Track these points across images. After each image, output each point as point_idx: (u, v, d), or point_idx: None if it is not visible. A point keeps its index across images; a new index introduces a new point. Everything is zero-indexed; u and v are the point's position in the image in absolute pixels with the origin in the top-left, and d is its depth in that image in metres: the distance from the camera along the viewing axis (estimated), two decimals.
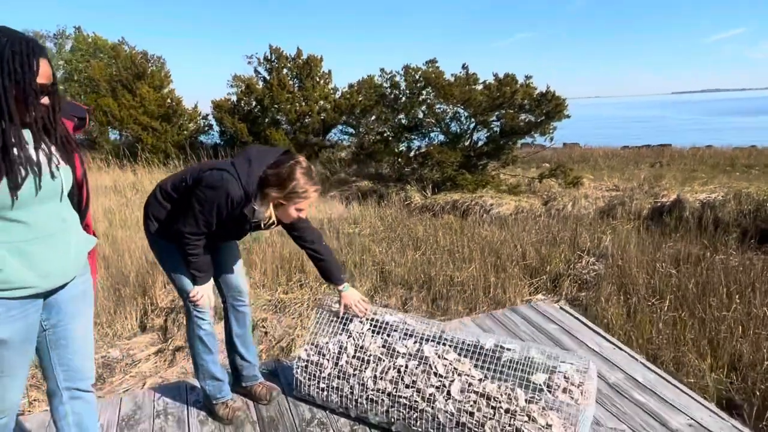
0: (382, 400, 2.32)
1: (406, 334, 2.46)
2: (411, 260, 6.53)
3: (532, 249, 6.95)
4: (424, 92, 11.01)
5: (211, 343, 2.40)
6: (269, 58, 14.50)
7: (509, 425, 2.07)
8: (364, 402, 2.36)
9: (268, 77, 14.49)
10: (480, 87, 10.61)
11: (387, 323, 2.53)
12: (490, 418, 2.10)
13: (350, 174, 12.37)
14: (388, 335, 2.47)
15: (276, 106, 13.87)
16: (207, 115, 16.28)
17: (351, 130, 13.77)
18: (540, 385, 2.13)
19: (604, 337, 3.22)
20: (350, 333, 2.51)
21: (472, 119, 10.68)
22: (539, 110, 9.97)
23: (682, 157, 16.72)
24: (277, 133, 13.69)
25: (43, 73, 1.54)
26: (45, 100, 1.57)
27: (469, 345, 2.35)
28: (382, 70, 11.41)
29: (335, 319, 2.60)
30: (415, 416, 2.25)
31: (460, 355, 2.32)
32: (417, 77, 10.82)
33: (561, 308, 3.71)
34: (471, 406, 2.14)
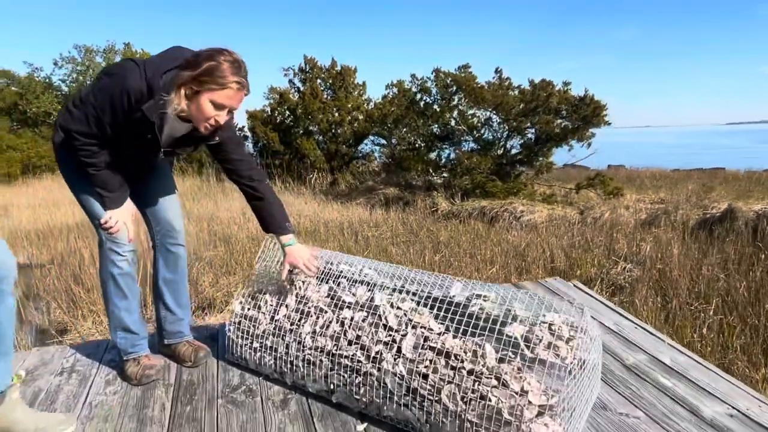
0: (321, 361, 1.87)
1: (358, 282, 1.99)
2: (429, 261, 6.07)
3: (562, 253, 6.36)
4: (455, 98, 10.60)
5: (127, 286, 2.01)
6: (304, 68, 14.46)
7: (472, 391, 1.57)
8: (301, 365, 1.91)
9: (302, 87, 14.44)
10: (514, 92, 10.11)
11: (340, 272, 2.07)
12: (449, 382, 1.61)
13: (378, 183, 12.00)
14: (337, 283, 2.01)
15: (308, 116, 13.74)
16: (243, 126, 16.36)
17: (382, 141, 13.45)
18: (516, 338, 1.62)
19: (623, 316, 2.65)
20: (293, 281, 2.07)
21: (505, 125, 10.15)
22: (576, 115, 9.36)
23: (737, 179, 15.56)
24: (308, 143, 13.53)
25: None
26: None
27: (435, 297, 1.86)
28: (412, 75, 11.10)
29: (279, 264, 2.15)
30: (357, 381, 1.78)
31: (419, 305, 1.83)
32: (448, 82, 10.42)
33: (574, 285, 3.15)
34: (426, 366, 1.65)
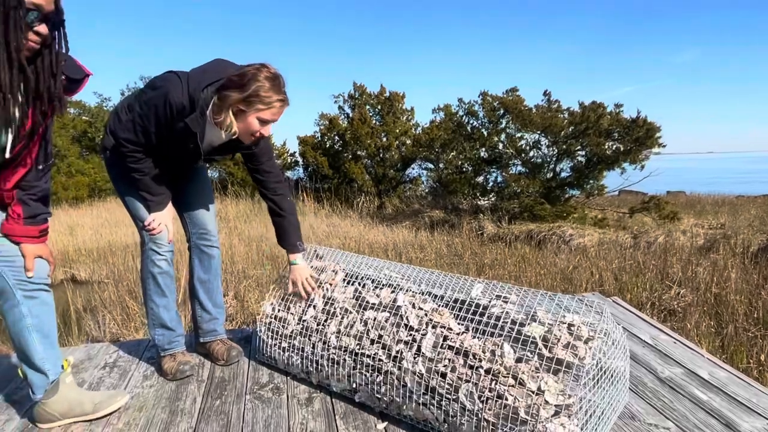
0: (344, 360, 1.91)
1: (383, 284, 2.04)
2: None
3: (612, 276, 6.18)
4: (503, 121, 10.58)
5: (165, 285, 2.14)
6: (353, 95, 14.83)
7: (489, 390, 1.57)
8: (326, 364, 1.96)
9: (351, 113, 14.78)
10: (563, 115, 10.00)
11: (364, 275, 2.12)
12: (466, 381, 1.62)
13: (424, 206, 12.04)
14: (363, 285, 2.06)
15: (357, 141, 14.02)
16: (294, 152, 16.86)
17: (430, 165, 13.52)
18: (534, 338, 1.61)
19: (662, 330, 2.56)
20: (321, 283, 2.14)
21: (554, 148, 10.03)
22: (629, 137, 9.14)
23: None
24: (356, 167, 13.78)
25: None
26: (42, 27, 1.36)
27: (456, 299, 1.89)
28: (459, 99, 11.19)
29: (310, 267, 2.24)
30: (379, 380, 1.81)
31: (440, 306, 1.86)
32: (495, 105, 10.43)
33: (614, 302, 3.07)
34: (444, 366, 1.67)
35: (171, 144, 1.94)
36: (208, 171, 2.51)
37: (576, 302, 1.73)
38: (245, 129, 1.90)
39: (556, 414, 1.50)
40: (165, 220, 2.09)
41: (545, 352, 1.58)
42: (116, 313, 5.78)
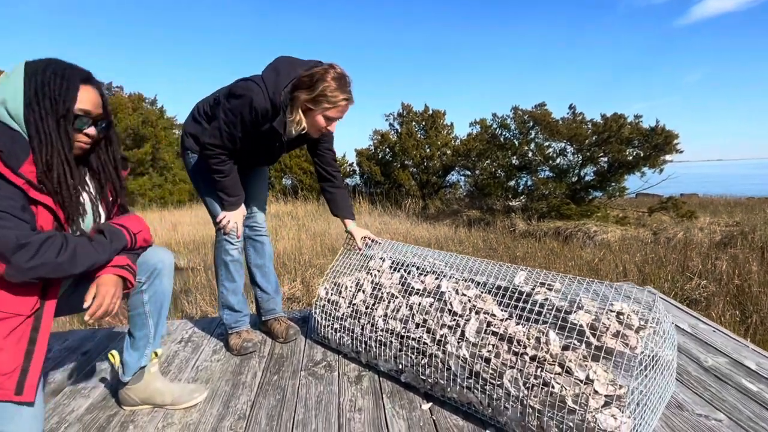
0: (391, 342, 1.68)
1: (428, 272, 1.80)
2: None
3: (635, 268, 5.67)
4: (532, 132, 10.07)
5: (235, 271, 1.98)
6: (401, 113, 14.61)
7: (535, 377, 1.31)
8: (374, 345, 1.74)
9: (399, 129, 14.57)
10: (587, 125, 9.41)
11: (411, 263, 1.89)
12: (511, 367, 1.36)
13: (462, 207, 11.66)
14: (408, 272, 1.83)
15: (404, 152, 13.79)
16: (352, 162, 16.80)
17: (467, 172, 13.12)
18: (581, 326, 1.33)
19: (699, 319, 2.20)
20: (369, 270, 1.92)
21: (579, 155, 9.45)
22: (648, 144, 8.47)
23: None
24: (403, 174, 13.54)
25: (88, 100, 1.25)
26: (91, 130, 1.28)
27: (499, 286, 1.63)
28: (493, 114, 10.74)
29: (359, 256, 2.03)
30: (423, 362, 1.57)
31: (483, 292, 1.60)
32: (525, 118, 9.95)
33: (649, 292, 2.69)
34: (488, 351, 1.42)
35: (255, 144, 1.82)
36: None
37: (619, 290, 1.44)
38: (313, 125, 1.75)
39: (607, 404, 1.22)
40: (236, 218, 1.95)
41: (593, 340, 1.30)
42: (205, 294, 5.78)
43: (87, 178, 1.37)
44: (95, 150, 1.36)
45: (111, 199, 1.43)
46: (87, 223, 1.36)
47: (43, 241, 1.15)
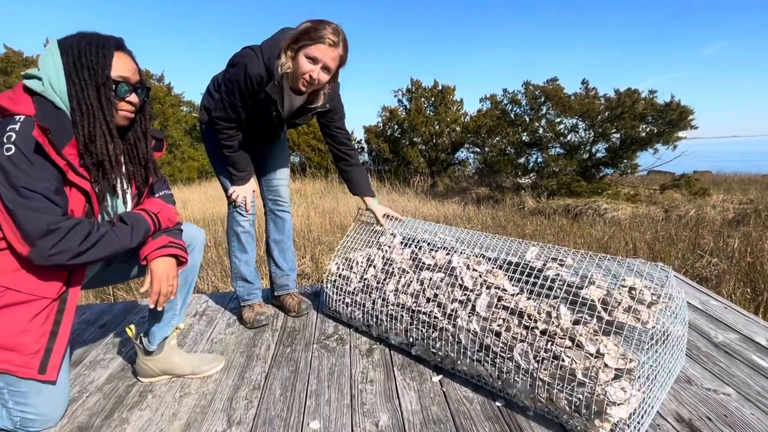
0: (402, 316, 1.70)
1: (438, 248, 1.81)
2: None
3: (645, 246, 5.64)
4: (543, 108, 9.91)
5: (247, 243, 2.01)
6: (410, 89, 14.41)
7: (545, 350, 1.32)
8: (385, 319, 1.76)
9: (408, 105, 14.41)
10: (600, 101, 9.23)
11: (421, 238, 1.90)
12: (521, 341, 1.37)
13: (471, 184, 11.59)
14: (419, 248, 1.84)
15: (413, 129, 13.67)
16: (360, 140, 16.69)
17: (477, 149, 13.00)
18: (593, 301, 1.34)
19: (710, 296, 2.19)
20: (380, 245, 1.93)
21: (591, 131, 9.30)
22: (662, 120, 8.31)
23: None
24: (412, 151, 13.45)
25: (124, 67, 1.24)
26: (133, 97, 1.27)
27: (510, 261, 1.63)
28: (504, 90, 10.57)
29: (370, 232, 2.04)
30: (434, 336, 1.59)
31: (494, 267, 1.61)
32: (537, 93, 9.78)
33: (662, 268, 2.69)
34: (499, 325, 1.43)
35: (256, 114, 1.78)
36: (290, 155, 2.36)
37: (632, 266, 1.43)
38: (297, 69, 1.65)
39: (617, 378, 1.23)
40: (245, 193, 1.96)
41: (605, 315, 1.31)
42: (216, 270, 5.86)
43: (121, 159, 1.37)
44: (133, 126, 1.35)
45: (142, 179, 1.43)
46: (118, 206, 1.36)
47: (70, 229, 1.17)
